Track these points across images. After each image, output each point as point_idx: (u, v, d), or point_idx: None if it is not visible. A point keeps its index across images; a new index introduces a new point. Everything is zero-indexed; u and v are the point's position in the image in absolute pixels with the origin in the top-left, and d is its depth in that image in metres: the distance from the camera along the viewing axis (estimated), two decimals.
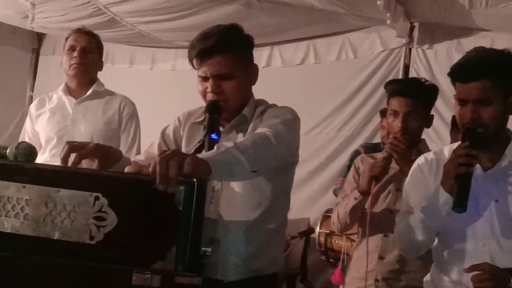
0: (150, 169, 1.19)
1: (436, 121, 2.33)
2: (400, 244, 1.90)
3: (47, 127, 2.75)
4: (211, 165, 1.29)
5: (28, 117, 2.86)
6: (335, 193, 3.72)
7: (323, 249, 3.47)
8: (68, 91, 2.78)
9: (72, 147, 1.49)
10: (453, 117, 3.32)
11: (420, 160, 1.88)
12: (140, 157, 1.81)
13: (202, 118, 1.78)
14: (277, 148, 1.53)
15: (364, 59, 4.35)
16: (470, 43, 3.71)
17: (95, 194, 1.20)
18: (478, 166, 1.73)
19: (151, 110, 4.26)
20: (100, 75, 2.86)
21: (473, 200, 1.69)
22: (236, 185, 1.69)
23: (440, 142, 3.67)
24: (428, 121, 2.31)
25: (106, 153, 1.57)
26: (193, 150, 1.51)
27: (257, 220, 1.70)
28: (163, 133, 1.87)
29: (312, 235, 3.71)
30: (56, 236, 1.22)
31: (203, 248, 1.26)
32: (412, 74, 4.05)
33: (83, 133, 2.71)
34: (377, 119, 4.07)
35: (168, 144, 1.83)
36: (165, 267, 1.18)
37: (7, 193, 1.23)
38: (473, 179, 1.71)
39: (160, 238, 1.19)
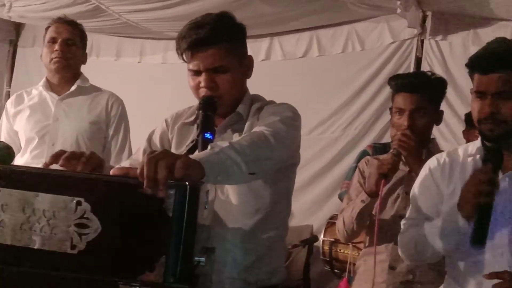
0: (138, 171, 1.18)
1: (450, 119, 2.34)
2: (408, 251, 1.89)
3: (27, 126, 2.74)
4: (205, 167, 1.28)
5: (4, 115, 2.84)
6: (341, 198, 3.71)
7: (328, 259, 3.47)
8: (50, 86, 2.77)
9: (72, 156, 1.50)
10: (467, 115, 3.33)
11: (432, 163, 1.88)
12: (125, 164, 1.80)
13: (194, 117, 1.78)
14: (276, 148, 1.53)
15: (372, 52, 4.35)
16: (487, 34, 3.71)
17: (77, 198, 1.19)
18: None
19: (139, 106, 4.26)
20: (84, 68, 2.84)
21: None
22: (231, 190, 1.68)
23: (454, 140, 3.68)
24: (437, 118, 2.31)
25: (97, 165, 1.57)
26: (185, 151, 1.50)
27: (255, 227, 1.69)
28: (149, 139, 1.86)
29: (315, 244, 3.71)
30: (34, 245, 1.20)
31: (196, 258, 1.25)
32: (425, 67, 4.05)
33: (66, 133, 2.69)
34: (386, 116, 4.07)
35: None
36: (154, 279, 1.17)
37: None
38: None
39: (148, 248, 1.18)
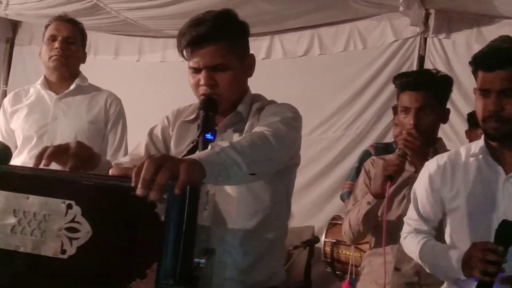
0: (134, 172, 1.16)
1: (453, 118, 2.34)
2: (425, 265, 1.91)
3: (25, 125, 2.73)
4: (206, 167, 1.26)
5: (1, 114, 2.83)
6: (343, 199, 3.71)
7: (329, 260, 3.47)
8: (48, 85, 2.76)
9: (57, 152, 1.46)
10: (469, 114, 3.33)
11: (432, 166, 1.87)
12: (125, 159, 1.78)
13: (194, 116, 1.77)
14: (277, 149, 1.52)
15: (374, 50, 4.35)
16: (491, 32, 3.71)
17: (67, 201, 1.16)
18: (499, 168, 1.73)
19: (138, 105, 4.26)
20: (82, 67, 2.84)
21: (493, 204, 1.70)
22: (231, 191, 1.67)
23: (457, 140, 3.68)
24: (443, 116, 2.30)
25: (87, 156, 1.55)
26: (185, 152, 1.50)
27: (254, 229, 1.68)
28: (150, 133, 1.85)
29: (316, 245, 3.71)
30: (24, 249, 1.18)
31: (196, 259, 1.25)
32: (428, 66, 4.04)
33: (65, 132, 2.69)
34: (389, 116, 4.07)
35: (157, 145, 1.82)
36: (145, 286, 1.15)
37: None
38: (494, 182, 1.72)
39: (140, 253, 1.15)
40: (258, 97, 1.80)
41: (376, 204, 2.21)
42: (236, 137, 1.69)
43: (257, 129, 1.58)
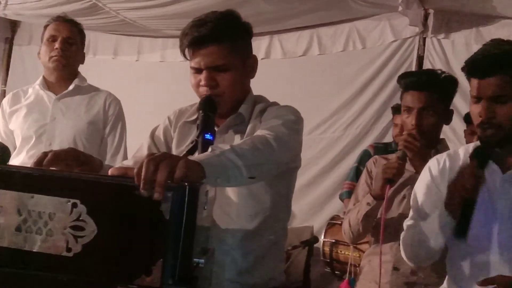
0: (135, 171, 1.17)
1: (453, 118, 2.33)
2: (406, 251, 1.90)
3: (24, 125, 2.73)
4: (205, 168, 1.27)
5: (0, 115, 2.84)
6: (342, 198, 3.72)
7: (328, 260, 3.48)
8: (47, 85, 2.76)
9: (57, 158, 1.48)
10: (466, 114, 3.33)
11: (432, 164, 1.88)
12: (128, 163, 1.79)
13: (195, 117, 1.77)
14: (278, 153, 1.53)
15: (374, 50, 4.36)
16: (490, 32, 3.72)
17: (72, 200, 1.17)
18: (496, 167, 1.74)
19: (137, 105, 4.27)
20: (81, 67, 2.83)
21: (491, 204, 1.71)
22: (231, 193, 1.68)
23: (456, 140, 3.68)
24: (447, 117, 2.30)
25: (82, 161, 1.56)
26: (185, 152, 1.50)
27: (254, 230, 1.68)
28: (152, 135, 1.85)
29: (316, 245, 3.72)
30: (30, 247, 1.19)
31: (195, 259, 1.26)
32: (427, 66, 4.05)
33: (64, 132, 2.69)
34: (388, 116, 4.08)
35: (159, 146, 1.82)
36: (150, 283, 1.16)
37: None
38: (491, 181, 1.73)
39: (145, 251, 1.17)
40: (260, 99, 1.80)
41: (376, 205, 2.21)
42: (237, 138, 1.70)
43: (259, 132, 1.58)
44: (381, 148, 3.58)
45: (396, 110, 3.46)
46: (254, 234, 1.69)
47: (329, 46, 4.53)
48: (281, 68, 4.59)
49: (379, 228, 2.18)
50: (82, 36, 2.80)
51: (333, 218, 3.63)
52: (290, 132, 1.61)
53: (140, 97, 4.77)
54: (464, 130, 3.50)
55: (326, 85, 4.52)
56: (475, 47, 1.78)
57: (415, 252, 1.86)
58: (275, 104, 1.79)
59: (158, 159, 1.18)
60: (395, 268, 2.22)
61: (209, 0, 3.86)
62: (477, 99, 1.70)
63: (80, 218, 1.18)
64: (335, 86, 4.49)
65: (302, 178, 4.04)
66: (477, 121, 1.71)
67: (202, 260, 1.30)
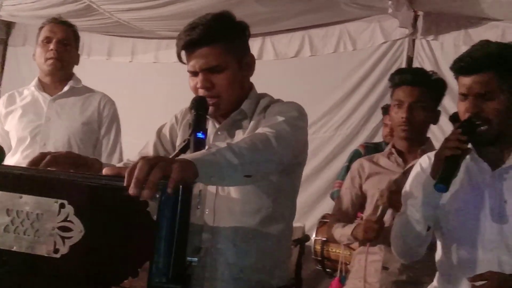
0: (127, 172, 1.15)
1: (441, 118, 2.35)
2: (395, 242, 1.91)
3: (19, 125, 2.72)
4: (198, 167, 1.25)
5: None
6: (333, 197, 3.72)
7: (320, 258, 3.48)
8: (42, 86, 2.75)
9: (53, 161, 1.46)
10: (453, 114, 3.35)
11: (424, 161, 1.89)
12: (134, 159, 1.78)
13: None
14: (278, 151, 1.50)
15: (364, 51, 4.37)
16: (479, 33, 3.74)
17: (60, 201, 1.16)
18: (485, 165, 1.75)
19: (131, 105, 4.25)
20: (75, 68, 2.83)
21: (480, 201, 1.72)
22: (235, 189, 1.66)
23: None
24: (434, 117, 2.32)
25: (80, 163, 1.55)
26: (177, 150, 1.49)
27: (257, 226, 1.66)
28: (159, 133, 1.84)
29: (307, 243, 3.71)
30: (18, 248, 1.17)
31: (188, 258, 1.25)
32: (416, 66, 4.06)
33: (58, 133, 2.68)
34: (378, 116, 4.09)
35: (164, 144, 1.81)
36: (138, 285, 1.14)
37: None
38: (480, 178, 1.74)
39: (132, 252, 1.15)
40: (264, 96, 1.79)
41: None
42: (239, 134, 1.69)
43: (260, 130, 1.56)
44: (372, 148, 3.59)
45: (386, 110, 3.47)
46: (258, 230, 1.66)
47: (321, 48, 4.54)
48: (273, 69, 4.59)
49: None
50: (77, 37, 2.79)
51: (324, 216, 3.63)
52: (292, 129, 1.59)
53: (134, 97, 4.75)
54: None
55: (317, 86, 4.53)
56: (464, 49, 1.80)
57: (404, 241, 1.86)
58: (279, 101, 1.77)
59: (153, 161, 1.17)
60: (384, 268, 2.23)
61: (202, 2, 3.86)
62: (464, 96, 1.72)
63: (68, 219, 1.16)
64: (326, 87, 4.50)
65: None
66: (463, 118, 1.72)
67: (195, 259, 1.30)
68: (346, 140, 4.36)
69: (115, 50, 5.30)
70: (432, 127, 2.39)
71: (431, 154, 1.89)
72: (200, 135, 1.53)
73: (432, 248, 1.89)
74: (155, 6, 4.20)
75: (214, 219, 1.65)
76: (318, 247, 3.47)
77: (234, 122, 1.73)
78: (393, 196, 2.14)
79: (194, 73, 1.68)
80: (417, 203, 1.77)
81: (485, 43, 1.75)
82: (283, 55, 4.67)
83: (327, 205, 4.12)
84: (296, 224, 4.09)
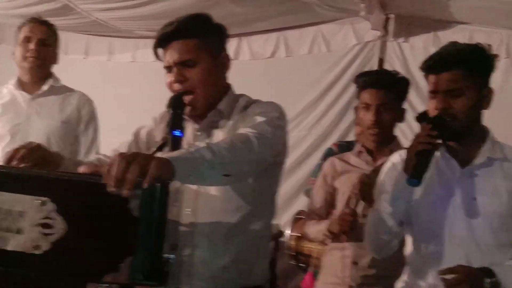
0: (105, 170, 1.15)
1: (411, 117, 2.38)
2: (369, 239, 1.93)
3: None
4: (176, 166, 1.25)
5: None
6: (307, 194, 3.74)
7: (294, 254, 3.49)
8: (21, 85, 2.74)
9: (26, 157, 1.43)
10: (418, 115, 3.39)
11: (395, 158, 1.92)
12: (101, 156, 1.77)
13: None
14: (258, 150, 1.50)
15: (338, 53, 4.40)
16: (447, 36, 3.80)
17: (42, 198, 1.16)
18: (455, 162, 1.78)
19: (108, 105, 4.20)
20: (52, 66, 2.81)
21: (450, 197, 1.75)
22: (215, 187, 1.63)
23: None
24: (401, 116, 2.36)
25: (44, 158, 1.50)
26: (154, 149, 1.49)
27: (237, 225, 1.64)
28: (136, 133, 1.82)
29: (282, 239, 3.73)
30: (2, 245, 1.17)
31: (165, 255, 1.24)
32: (387, 68, 4.10)
33: (38, 131, 2.66)
34: (351, 115, 4.12)
35: (140, 145, 1.79)
36: (119, 280, 1.14)
37: None
38: (450, 176, 1.77)
39: (114, 248, 1.16)
40: (242, 96, 1.78)
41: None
42: (217, 134, 1.68)
43: (242, 130, 1.56)
44: (345, 146, 3.60)
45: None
46: (237, 229, 1.65)
47: (296, 49, 4.56)
48: (249, 69, 4.59)
49: None
50: (57, 37, 2.78)
51: (299, 213, 3.65)
52: (273, 129, 1.60)
53: (111, 96, 4.69)
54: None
55: (292, 86, 4.54)
56: (433, 51, 1.84)
57: (377, 236, 1.88)
58: (258, 100, 1.77)
59: (130, 158, 1.17)
60: (355, 262, 2.26)
61: (179, 2, 3.85)
62: (433, 93, 1.75)
63: (49, 216, 1.16)
64: (301, 87, 4.51)
65: None
66: (433, 114, 1.75)
67: (172, 256, 1.30)
68: (320, 138, 4.38)
69: (92, 49, 5.23)
70: (402, 124, 2.43)
71: (402, 152, 1.92)
72: (177, 133, 1.53)
73: (401, 243, 1.92)
74: (133, 6, 4.17)
75: (194, 217, 1.63)
76: (293, 243, 3.49)
77: (212, 123, 1.71)
78: (365, 188, 2.16)
79: (169, 69, 1.68)
80: (389, 198, 1.79)
81: (453, 43, 1.79)
82: (259, 55, 4.68)
83: (302, 202, 4.14)
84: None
